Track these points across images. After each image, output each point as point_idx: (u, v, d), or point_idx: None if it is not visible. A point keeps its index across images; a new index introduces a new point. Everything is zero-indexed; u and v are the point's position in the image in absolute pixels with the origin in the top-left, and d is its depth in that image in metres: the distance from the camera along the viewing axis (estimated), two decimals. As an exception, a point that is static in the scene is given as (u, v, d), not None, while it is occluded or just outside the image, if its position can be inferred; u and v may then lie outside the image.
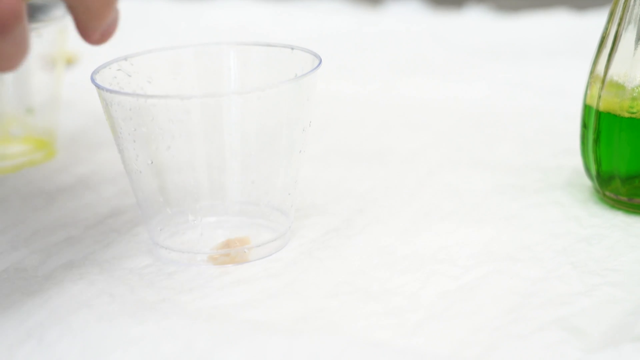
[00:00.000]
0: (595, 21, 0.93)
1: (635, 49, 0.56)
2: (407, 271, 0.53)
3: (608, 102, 0.56)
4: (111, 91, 0.52)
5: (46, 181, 0.65)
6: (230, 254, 0.54)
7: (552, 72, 0.83)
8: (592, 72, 0.57)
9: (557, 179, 0.62)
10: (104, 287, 0.51)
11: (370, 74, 0.86)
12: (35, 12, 0.70)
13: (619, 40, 0.56)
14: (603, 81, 0.56)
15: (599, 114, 0.57)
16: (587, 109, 0.58)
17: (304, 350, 0.46)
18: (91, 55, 0.87)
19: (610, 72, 0.56)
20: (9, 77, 0.68)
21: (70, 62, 0.87)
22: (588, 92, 0.58)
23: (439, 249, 0.55)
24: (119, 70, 0.56)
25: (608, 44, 0.57)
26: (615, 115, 0.56)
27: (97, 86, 0.52)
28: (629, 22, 0.56)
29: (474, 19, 0.97)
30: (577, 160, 0.63)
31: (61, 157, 0.69)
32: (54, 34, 0.67)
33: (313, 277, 0.52)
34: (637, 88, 0.56)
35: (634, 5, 0.56)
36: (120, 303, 0.50)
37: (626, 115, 0.56)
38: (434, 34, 0.94)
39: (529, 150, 0.67)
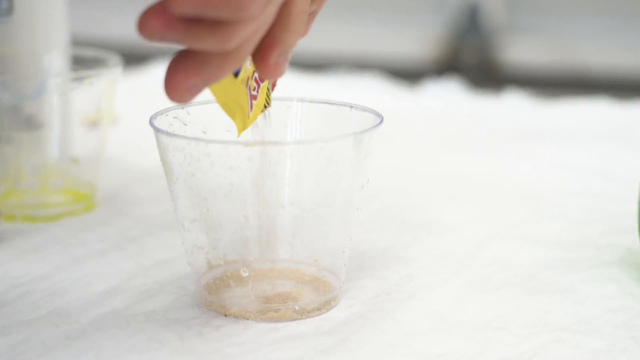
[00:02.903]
0: (637, 111, 0.93)
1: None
2: (462, 337, 0.51)
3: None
4: (170, 135, 0.51)
5: (87, 231, 0.64)
6: (280, 309, 0.53)
7: (596, 155, 0.82)
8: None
9: (610, 256, 0.61)
10: (152, 334, 0.50)
11: (410, 146, 0.85)
12: (89, 64, 0.69)
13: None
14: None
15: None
16: (647, 184, 0.57)
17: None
18: (133, 114, 0.87)
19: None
20: (55, 128, 0.67)
21: (112, 121, 0.87)
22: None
23: (493, 317, 0.53)
24: (175, 118, 0.55)
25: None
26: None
27: (156, 129, 0.52)
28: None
29: (514, 104, 0.97)
30: (629, 239, 0.62)
31: (101, 210, 0.68)
32: (105, 84, 0.67)
33: (366, 336, 0.51)
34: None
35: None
36: (170, 350, 0.48)
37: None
38: (473, 114, 0.94)
39: (577, 228, 0.66)
